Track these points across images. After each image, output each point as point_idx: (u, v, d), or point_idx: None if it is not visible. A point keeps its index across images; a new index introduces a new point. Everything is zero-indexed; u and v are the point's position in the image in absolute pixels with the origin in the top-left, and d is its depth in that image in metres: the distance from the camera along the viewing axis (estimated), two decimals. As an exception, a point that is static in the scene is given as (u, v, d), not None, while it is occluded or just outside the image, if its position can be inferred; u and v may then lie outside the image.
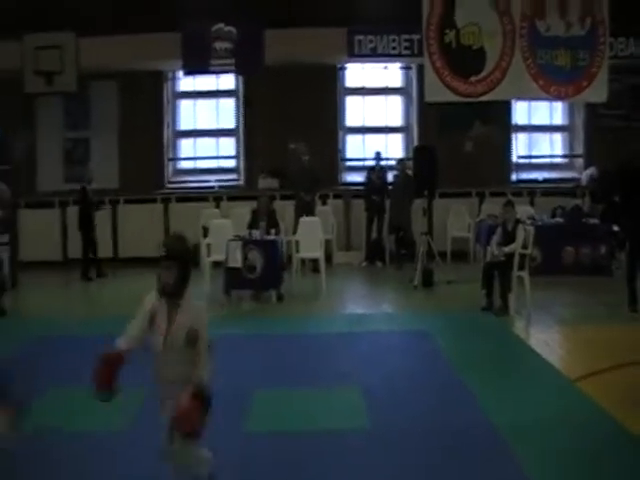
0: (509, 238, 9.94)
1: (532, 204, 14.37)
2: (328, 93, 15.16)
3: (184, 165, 15.84)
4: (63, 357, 8.31)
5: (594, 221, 12.48)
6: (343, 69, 15.55)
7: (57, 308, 11.20)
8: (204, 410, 4.07)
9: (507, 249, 9.86)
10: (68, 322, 10.04)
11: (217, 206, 13.72)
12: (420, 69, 14.36)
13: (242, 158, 15.36)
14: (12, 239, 12.24)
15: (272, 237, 11.17)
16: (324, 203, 14.38)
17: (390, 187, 14.17)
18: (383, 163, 14.48)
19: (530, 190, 14.91)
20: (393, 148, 15.54)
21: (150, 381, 7.04)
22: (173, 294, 4.12)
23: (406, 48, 14.15)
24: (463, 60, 13.22)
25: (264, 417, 6.26)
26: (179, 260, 4.08)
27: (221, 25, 14.23)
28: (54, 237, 14.59)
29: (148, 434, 5.85)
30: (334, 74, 15.31)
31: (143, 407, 6.42)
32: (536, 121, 15.93)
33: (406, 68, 15.54)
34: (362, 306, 11.14)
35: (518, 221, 10.25)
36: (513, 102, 15.18)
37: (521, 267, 9.96)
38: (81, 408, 6.54)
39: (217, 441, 5.61)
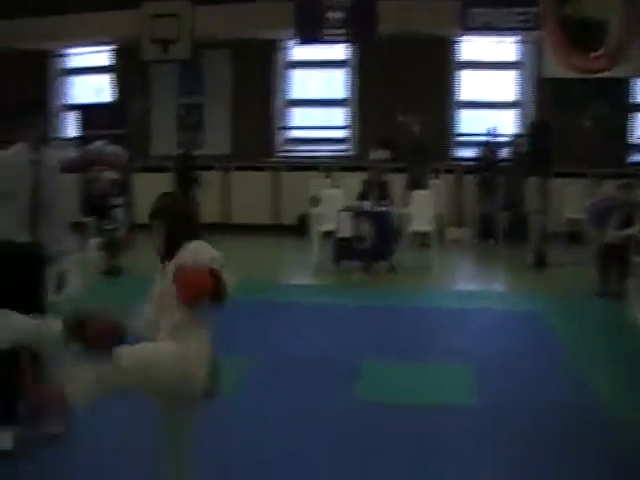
0: (627, 221, 9.57)
1: (652, 187, 13.79)
2: (441, 66, 14.88)
3: (295, 134, 15.86)
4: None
5: None
6: (457, 42, 15.21)
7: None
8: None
9: (625, 233, 9.49)
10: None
11: (327, 176, 13.68)
12: (536, 43, 13.96)
13: (353, 129, 15.26)
14: (128, 201, 12.53)
15: (383, 209, 11.07)
16: (436, 177, 14.16)
17: (503, 164, 13.85)
18: (496, 139, 14.15)
19: (649, 172, 14.31)
20: (506, 124, 15.14)
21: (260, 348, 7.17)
22: (164, 257, 3.67)
23: (522, 21, 13.68)
24: (582, 34, 12.77)
25: (374, 388, 6.21)
26: (165, 219, 3.68)
27: (335, -6, 14.12)
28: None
29: (254, 400, 5.97)
30: (448, 47, 15.00)
31: (246, 374, 6.52)
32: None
33: (522, 42, 15.08)
34: (473, 283, 10.97)
35: (637, 204, 9.84)
36: (634, 80, 14.56)
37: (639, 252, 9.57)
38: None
39: (329, 407, 5.66)
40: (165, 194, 3.91)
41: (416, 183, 13.05)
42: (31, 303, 4.73)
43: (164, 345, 3.48)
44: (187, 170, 13.52)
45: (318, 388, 6.13)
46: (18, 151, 4.85)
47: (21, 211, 4.79)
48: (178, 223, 3.67)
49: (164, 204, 3.76)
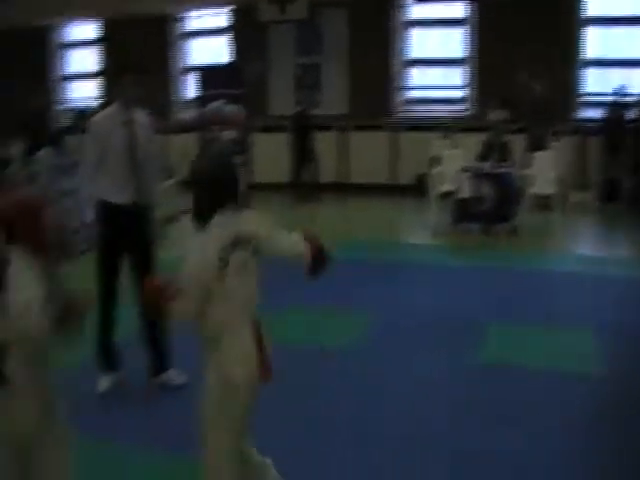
0: None
1: None
2: (566, 22, 14.28)
3: (413, 94, 15.62)
4: (285, 275, 8.53)
5: None
6: (583, -3, 14.55)
7: (281, 227, 11.52)
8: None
9: None
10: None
11: (446, 137, 13.41)
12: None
13: (472, 88, 14.90)
14: (246, 160, 12.66)
15: (504, 170, 10.79)
16: (556, 139, 13.67)
17: (630, 125, 13.23)
18: (624, 99, 13.52)
19: None
20: (636, 83, 14.43)
21: (381, 305, 7.16)
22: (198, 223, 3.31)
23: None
24: None
25: (493, 351, 6.07)
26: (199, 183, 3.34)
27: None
28: (284, 160, 14.95)
29: (377, 354, 5.97)
30: (572, 2, 14.38)
31: (367, 329, 6.51)
32: None
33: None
34: (595, 248, 10.59)
35: None
36: None
37: None
38: (308, 325, 6.72)
39: (447, 369, 5.57)
40: (197, 158, 3.89)
41: (537, 144, 12.64)
42: (143, 259, 5.06)
43: None
44: (304, 129, 13.55)
45: (436, 349, 6.08)
46: (112, 112, 4.98)
47: (118, 170, 4.91)
48: (216, 188, 3.29)
49: (193, 170, 3.46)
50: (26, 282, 2.84)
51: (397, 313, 7.01)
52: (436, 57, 15.44)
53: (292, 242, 3.56)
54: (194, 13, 16.99)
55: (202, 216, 3.24)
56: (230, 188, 3.32)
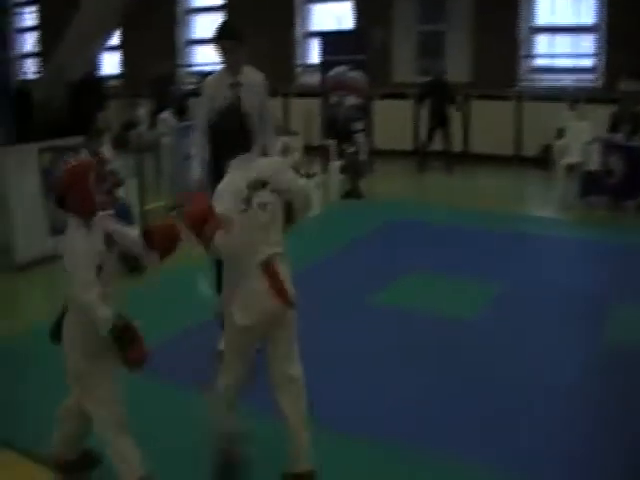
0: None
1: None
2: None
3: (539, 63, 15.23)
4: (410, 242, 8.62)
5: None
6: None
7: (404, 195, 11.59)
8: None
9: None
10: (414, 209, 10.34)
11: (573, 107, 13.05)
12: None
13: (602, 57, 14.41)
14: (368, 127, 12.70)
15: (636, 143, 10.44)
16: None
17: None
18: None
19: None
20: None
21: (505, 277, 7.13)
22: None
23: None
24: None
25: (619, 331, 5.91)
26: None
27: None
28: (406, 128, 14.89)
29: (501, 325, 5.95)
30: None
31: (495, 300, 6.49)
32: None
33: None
34: None
35: None
36: None
37: None
38: (437, 294, 6.74)
39: (573, 351, 5.49)
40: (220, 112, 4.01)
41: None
42: None
43: None
44: (440, 96, 13.44)
45: (561, 325, 6.03)
46: (220, 75, 5.24)
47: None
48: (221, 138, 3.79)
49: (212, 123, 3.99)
50: (80, 259, 3.29)
51: (523, 285, 6.97)
52: (565, 24, 14.96)
53: (300, 185, 3.81)
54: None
55: (220, 161, 3.73)
56: (239, 138, 3.67)
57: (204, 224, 3.40)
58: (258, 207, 3.51)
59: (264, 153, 5.05)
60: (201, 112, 5.24)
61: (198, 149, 5.22)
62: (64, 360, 3.44)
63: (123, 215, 7.28)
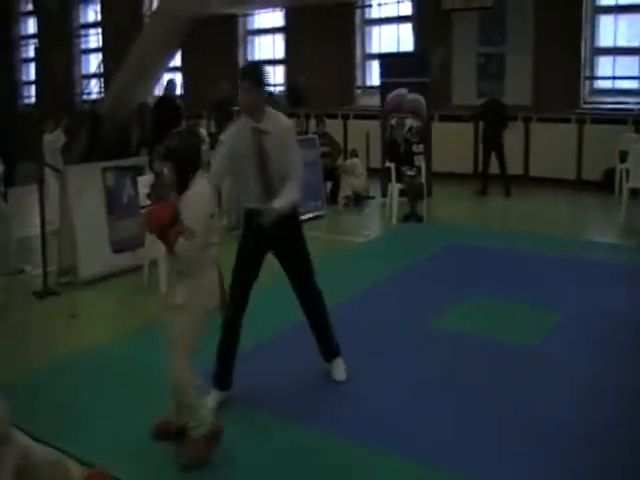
0: None
1: None
2: None
3: (602, 85, 15.06)
4: (469, 267, 8.58)
5: None
6: None
7: (463, 219, 11.52)
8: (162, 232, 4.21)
9: None
10: (473, 233, 10.28)
11: (637, 130, 12.86)
12: None
13: (665, 80, 14.21)
14: (427, 149, 12.68)
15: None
16: None
17: None
18: None
19: None
20: None
21: (566, 304, 7.03)
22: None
23: None
24: None
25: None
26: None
27: None
28: (466, 150, 14.85)
29: (558, 352, 5.88)
30: None
31: (557, 327, 6.42)
32: None
33: None
34: None
35: None
36: None
37: None
38: (497, 319, 6.70)
39: (633, 383, 5.38)
40: (175, 134, 4.38)
41: None
42: (301, 262, 5.29)
43: None
44: (496, 118, 13.35)
45: (620, 354, 5.94)
46: (242, 122, 5.03)
47: (252, 177, 4.96)
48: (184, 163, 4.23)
49: (180, 145, 4.27)
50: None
51: (587, 313, 6.87)
52: (627, 45, 14.78)
53: None
54: (378, 0, 17.12)
55: (183, 182, 4.19)
56: (198, 160, 4.28)
57: (167, 229, 4.11)
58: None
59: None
60: (216, 161, 5.09)
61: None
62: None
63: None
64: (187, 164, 4.20)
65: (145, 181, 8.52)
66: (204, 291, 4.24)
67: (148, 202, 7.56)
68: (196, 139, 4.48)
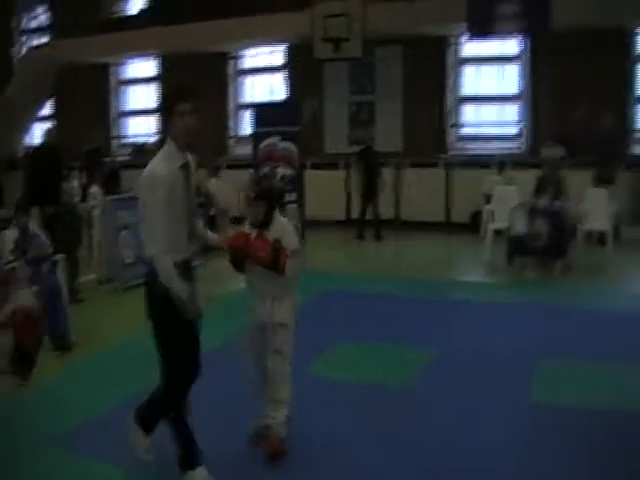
0: None
1: None
2: (619, 58, 14.24)
3: (467, 131, 15.71)
4: (344, 312, 8.67)
5: None
6: (637, 33, 14.51)
7: (338, 265, 11.66)
8: (276, 259, 4.73)
9: None
10: (347, 279, 10.42)
11: (500, 173, 13.45)
12: None
13: (526, 125, 14.93)
14: (299, 197, 12.84)
15: (559, 206, 10.77)
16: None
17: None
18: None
19: None
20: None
21: (439, 343, 7.21)
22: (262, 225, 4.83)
23: None
24: None
25: (549, 388, 6.07)
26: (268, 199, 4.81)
27: (507, -13, 13.80)
28: (338, 197, 15.11)
29: (431, 391, 6.02)
30: (626, 38, 14.34)
31: (430, 367, 6.58)
32: None
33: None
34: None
35: None
36: None
37: None
38: (371, 362, 6.81)
39: (502, 409, 5.59)
40: (264, 177, 4.67)
41: (602, 181, 12.53)
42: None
43: None
44: (370, 166, 13.68)
45: (493, 387, 6.10)
46: (169, 156, 4.29)
47: (182, 221, 4.32)
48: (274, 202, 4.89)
49: (268, 188, 4.93)
50: None
51: (455, 351, 7.04)
52: (490, 94, 15.50)
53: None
54: (251, 51, 17.36)
55: (269, 217, 4.80)
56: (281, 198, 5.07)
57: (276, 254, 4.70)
58: None
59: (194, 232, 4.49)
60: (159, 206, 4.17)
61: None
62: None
63: (52, 289, 7.19)
64: (276, 202, 4.93)
65: (10, 235, 8.21)
66: (294, 308, 4.99)
67: (11, 258, 7.35)
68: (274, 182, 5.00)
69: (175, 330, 4.29)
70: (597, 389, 6.01)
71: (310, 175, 14.51)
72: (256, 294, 4.95)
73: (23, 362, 3.58)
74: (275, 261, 4.70)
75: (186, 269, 4.34)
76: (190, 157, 4.40)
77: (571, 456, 4.79)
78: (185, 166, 4.31)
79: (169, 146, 4.30)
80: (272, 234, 4.78)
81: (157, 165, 4.21)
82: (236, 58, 17.58)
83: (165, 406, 4.47)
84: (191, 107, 4.28)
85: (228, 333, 6.95)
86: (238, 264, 4.86)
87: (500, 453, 4.86)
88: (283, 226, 4.89)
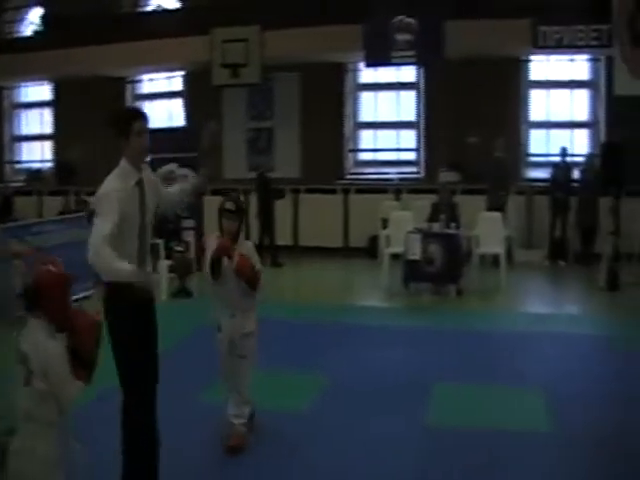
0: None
1: None
2: (511, 86, 14.73)
3: (364, 157, 15.90)
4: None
5: None
6: (527, 61, 15.04)
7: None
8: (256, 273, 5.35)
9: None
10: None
11: (397, 198, 13.66)
12: (609, 61, 13.68)
13: (422, 151, 15.23)
14: (198, 224, 12.71)
15: (452, 231, 10.99)
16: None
17: (576, 184, 13.62)
18: (569, 159, 13.93)
19: None
20: (579, 144, 14.89)
21: (333, 367, 7.23)
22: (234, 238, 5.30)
23: (594, 39, 13.33)
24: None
25: (443, 411, 6.19)
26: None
27: (402, 17, 14.11)
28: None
29: (328, 416, 6.02)
30: (517, 66, 14.84)
31: (324, 392, 6.59)
32: None
33: (594, 60, 14.82)
34: (543, 306, 10.78)
35: None
36: None
37: None
38: (265, 389, 6.76)
39: (394, 431, 5.63)
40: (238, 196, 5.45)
41: (496, 206, 12.87)
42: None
43: None
44: (265, 192, 13.67)
45: (387, 411, 6.14)
46: (124, 174, 4.32)
47: (134, 240, 4.34)
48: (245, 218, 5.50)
49: (242, 204, 5.54)
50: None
51: (350, 376, 7.07)
52: (387, 120, 15.76)
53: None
54: (148, 76, 17.19)
55: (238, 233, 5.39)
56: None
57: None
58: None
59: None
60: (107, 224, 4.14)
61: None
62: None
63: None
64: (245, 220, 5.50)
65: None
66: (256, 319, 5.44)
67: None
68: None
69: (130, 339, 4.33)
70: (485, 410, 6.14)
71: (209, 202, 14.36)
72: (226, 307, 5.36)
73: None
74: (255, 275, 5.28)
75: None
76: (145, 174, 4.43)
77: (450, 476, 4.88)
78: (139, 183, 4.34)
79: (124, 164, 4.36)
80: (239, 248, 5.26)
81: (112, 182, 4.28)
82: (134, 82, 17.35)
83: (134, 421, 4.38)
84: (146, 126, 4.42)
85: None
86: (217, 269, 5.24)
87: (391, 476, 4.89)
88: (246, 244, 5.43)
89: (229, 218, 5.30)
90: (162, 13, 16.58)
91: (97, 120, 16.37)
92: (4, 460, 3.40)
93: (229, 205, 5.33)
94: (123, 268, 4.03)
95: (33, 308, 3.49)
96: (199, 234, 12.76)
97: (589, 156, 13.87)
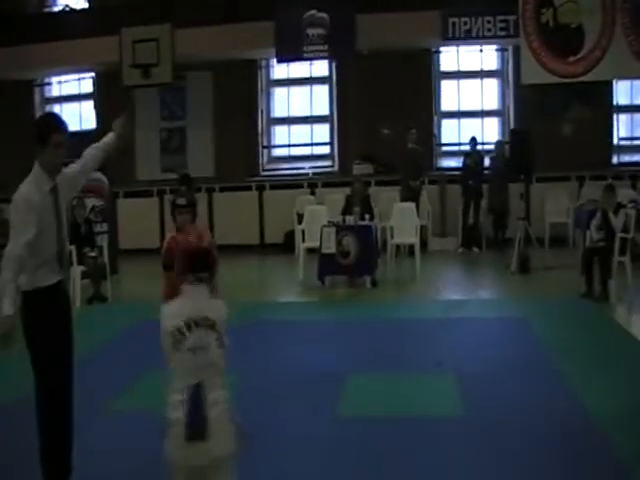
0: (608, 223, 9.60)
1: (634, 187, 13.77)
2: (422, 77, 14.96)
3: (278, 152, 15.92)
4: (155, 342, 8.49)
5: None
6: (437, 52, 15.30)
7: (151, 295, 11.44)
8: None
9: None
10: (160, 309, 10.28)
11: (311, 193, 13.74)
12: (516, 50, 14.02)
13: (336, 144, 15.32)
14: (111, 228, 12.55)
15: (366, 223, 11.10)
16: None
17: (487, 171, 13.90)
18: (479, 147, 14.21)
19: (632, 173, 14.28)
20: (489, 132, 15.21)
21: (246, 365, 7.18)
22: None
23: (502, 29, 13.74)
24: (561, 39, 12.97)
25: (357, 402, 6.21)
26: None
27: (314, 11, 14.19)
28: (152, 225, 14.90)
29: (240, 412, 6.00)
30: (428, 58, 15.08)
31: (237, 389, 6.56)
32: (639, 101, 15.29)
33: (502, 50, 15.16)
34: (457, 292, 10.96)
35: (619, 205, 9.89)
36: (614, 82, 14.60)
37: (622, 252, 9.57)
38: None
39: (310, 425, 5.66)
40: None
41: (410, 196, 13.04)
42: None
43: None
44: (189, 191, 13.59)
45: (303, 405, 6.13)
46: (36, 181, 4.23)
47: (51, 246, 4.28)
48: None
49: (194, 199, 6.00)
50: None
51: (265, 372, 7.03)
52: (301, 115, 15.80)
53: None
54: (57, 78, 16.87)
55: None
56: None
57: None
58: None
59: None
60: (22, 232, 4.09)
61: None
62: None
63: None
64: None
65: None
66: None
67: None
68: None
69: (42, 335, 4.28)
70: (400, 398, 6.19)
71: (123, 204, 14.25)
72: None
73: None
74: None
75: (56, 293, 4.32)
76: (59, 177, 4.35)
77: (365, 464, 4.91)
78: (54, 190, 4.28)
79: (37, 170, 4.26)
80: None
81: (25, 188, 4.18)
82: (42, 85, 17.01)
83: (45, 417, 4.42)
84: (64, 140, 4.33)
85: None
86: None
87: (303, 468, 4.91)
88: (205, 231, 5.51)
89: (181, 213, 5.73)
90: (70, 13, 16.28)
91: (4, 125, 16.10)
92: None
93: (180, 200, 5.81)
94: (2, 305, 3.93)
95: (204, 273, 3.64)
96: (114, 237, 12.60)
97: (498, 143, 14.17)
